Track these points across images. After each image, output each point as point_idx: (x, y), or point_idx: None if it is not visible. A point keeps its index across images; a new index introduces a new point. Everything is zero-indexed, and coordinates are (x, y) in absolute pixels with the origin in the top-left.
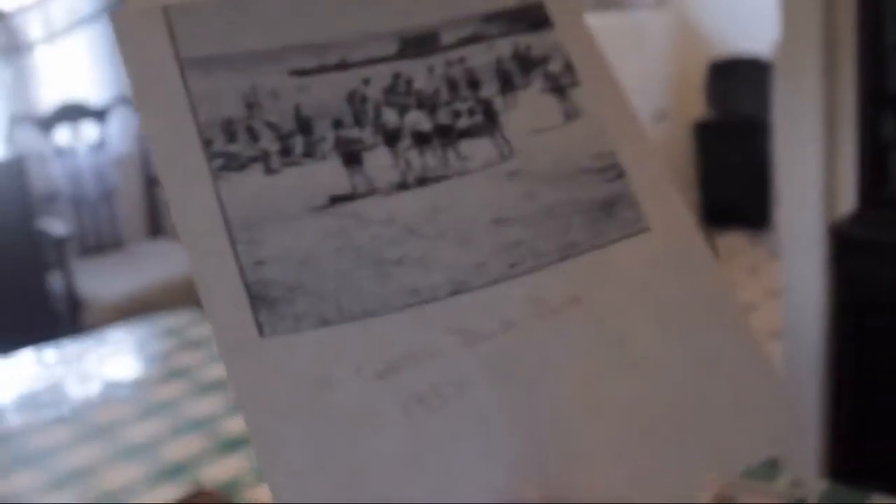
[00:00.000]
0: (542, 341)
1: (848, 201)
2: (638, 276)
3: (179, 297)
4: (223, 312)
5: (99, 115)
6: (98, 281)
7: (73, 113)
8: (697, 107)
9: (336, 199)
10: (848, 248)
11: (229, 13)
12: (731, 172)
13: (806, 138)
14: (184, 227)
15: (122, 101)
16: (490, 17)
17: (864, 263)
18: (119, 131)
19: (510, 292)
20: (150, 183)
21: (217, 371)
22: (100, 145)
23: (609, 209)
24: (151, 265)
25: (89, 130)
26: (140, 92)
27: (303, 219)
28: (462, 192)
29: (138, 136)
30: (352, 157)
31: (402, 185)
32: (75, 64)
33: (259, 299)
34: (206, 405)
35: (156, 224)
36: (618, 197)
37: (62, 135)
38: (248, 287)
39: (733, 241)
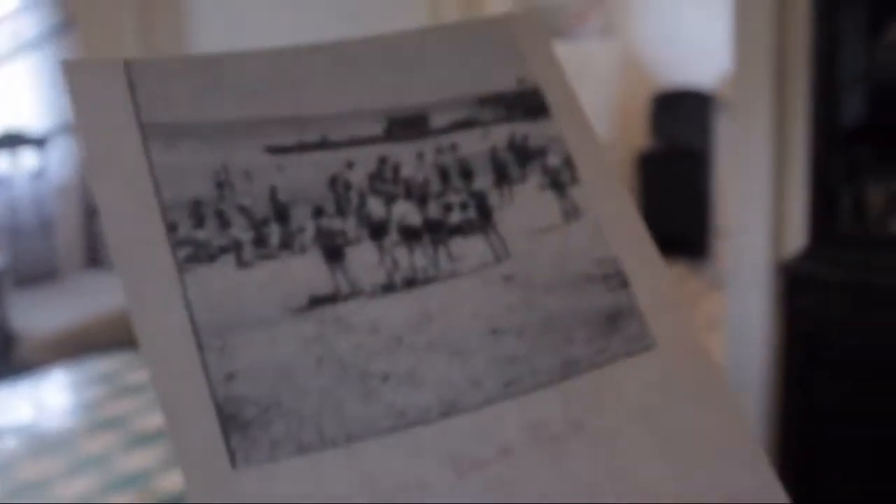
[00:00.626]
0: (542, 473)
1: (796, 237)
2: (644, 400)
3: (117, 332)
4: (190, 437)
5: (39, 143)
6: (33, 314)
7: (11, 141)
8: (640, 137)
9: (316, 301)
10: (798, 285)
11: (199, 76)
12: (672, 202)
13: (755, 173)
14: (143, 328)
15: (63, 129)
16: (484, 101)
17: (813, 301)
18: (59, 160)
19: (506, 415)
20: (90, 213)
21: (153, 421)
22: (39, 174)
23: (612, 322)
24: (89, 298)
25: (28, 159)
26: (95, 160)
27: (279, 323)
28: (454, 298)
29: (79, 165)
30: (334, 251)
31: (389, 287)
32: (15, 91)
33: (231, 420)
34: (140, 459)
35: (94, 255)
36: (622, 309)
37: (0, 163)
38: (218, 406)
39: (673, 270)
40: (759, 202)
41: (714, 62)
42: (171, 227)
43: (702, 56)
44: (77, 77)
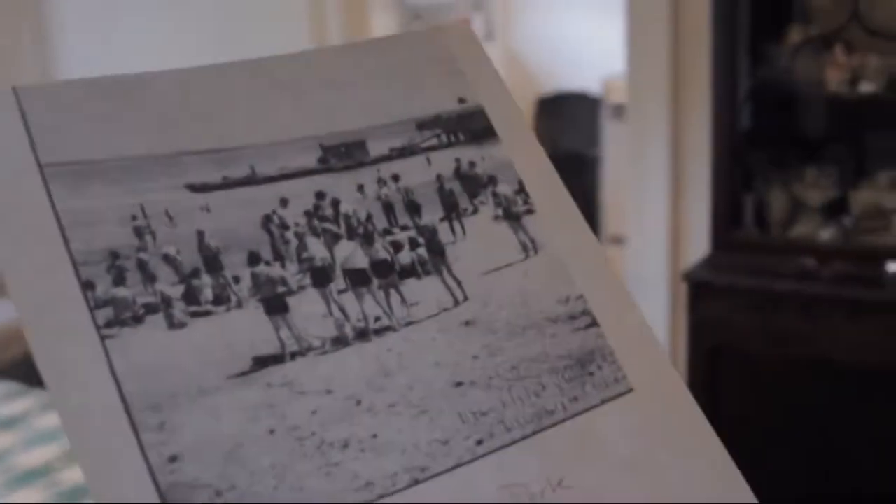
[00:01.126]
0: None
1: (696, 245)
2: (627, 450)
3: None
4: None
5: None
6: None
7: None
8: None
9: (261, 361)
10: (701, 291)
11: (100, 103)
12: None
13: (653, 181)
14: (65, 408)
15: None
16: (424, 124)
17: (717, 307)
18: None
19: (481, 477)
20: None
21: (35, 457)
22: None
23: (584, 367)
24: None
25: None
26: None
27: (222, 391)
28: (412, 349)
29: None
30: (275, 304)
31: (340, 341)
32: None
33: None
34: (21, 497)
35: None
36: (593, 351)
37: None
38: (162, 495)
39: None
40: (658, 210)
41: (599, 66)
42: (88, 286)
43: (586, 60)
44: None
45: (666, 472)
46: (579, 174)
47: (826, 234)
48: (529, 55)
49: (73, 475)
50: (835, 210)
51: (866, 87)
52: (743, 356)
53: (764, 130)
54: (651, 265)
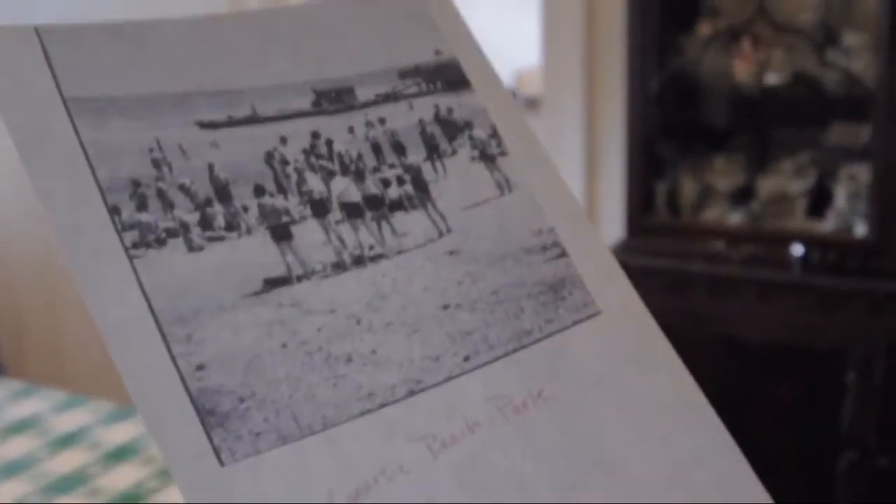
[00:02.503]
0: (512, 448)
1: (611, 231)
2: (597, 367)
3: None
4: (173, 437)
5: None
6: None
7: None
8: None
9: (271, 283)
10: None
11: (117, 45)
12: None
13: (567, 170)
14: (105, 321)
15: None
16: (405, 73)
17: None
18: None
19: (469, 389)
20: None
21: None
22: None
23: (556, 292)
24: None
25: None
26: (23, 139)
27: (239, 309)
28: (404, 275)
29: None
30: (281, 231)
31: (339, 266)
32: None
33: (209, 415)
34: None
35: None
36: (564, 278)
37: None
38: (193, 400)
39: None
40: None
41: (511, 59)
42: (114, 211)
43: (498, 53)
44: None
45: (632, 387)
46: None
47: (735, 219)
48: None
49: (4, 451)
50: (743, 196)
51: (772, 80)
52: None
53: (675, 120)
54: None
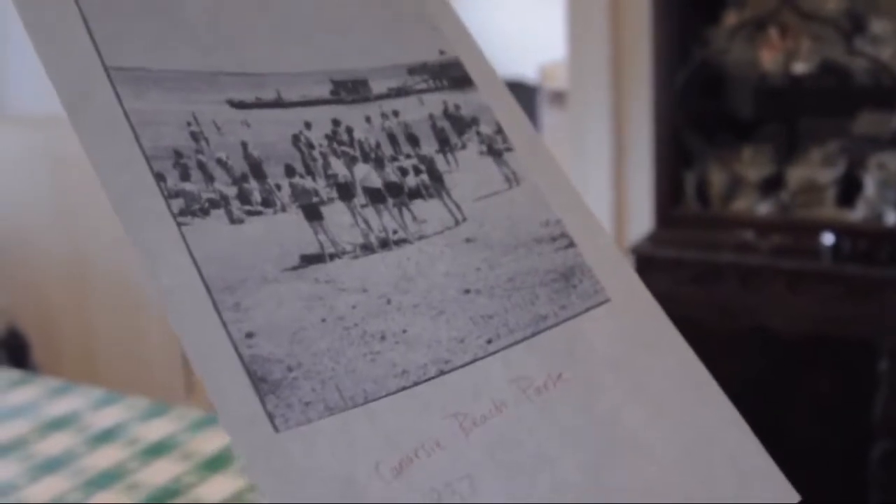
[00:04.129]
0: (537, 426)
1: (640, 223)
2: (610, 350)
3: None
4: (229, 401)
5: None
6: None
7: None
8: None
9: (307, 259)
10: (647, 266)
11: (152, 20)
12: None
13: (595, 163)
14: (161, 283)
15: None
16: (413, 70)
17: (662, 281)
18: None
19: (493, 371)
20: None
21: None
22: None
23: (567, 280)
24: None
25: None
26: (70, 103)
27: (280, 282)
28: (426, 259)
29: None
30: (313, 211)
31: (366, 247)
32: None
33: (261, 381)
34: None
35: None
36: (573, 267)
37: None
38: (246, 367)
39: None
40: (602, 190)
41: (535, 53)
42: (160, 177)
43: (522, 47)
44: (29, 8)
45: (644, 369)
46: None
47: (764, 209)
48: None
49: (45, 447)
50: (772, 186)
51: (799, 69)
52: (688, 326)
53: (702, 111)
54: None
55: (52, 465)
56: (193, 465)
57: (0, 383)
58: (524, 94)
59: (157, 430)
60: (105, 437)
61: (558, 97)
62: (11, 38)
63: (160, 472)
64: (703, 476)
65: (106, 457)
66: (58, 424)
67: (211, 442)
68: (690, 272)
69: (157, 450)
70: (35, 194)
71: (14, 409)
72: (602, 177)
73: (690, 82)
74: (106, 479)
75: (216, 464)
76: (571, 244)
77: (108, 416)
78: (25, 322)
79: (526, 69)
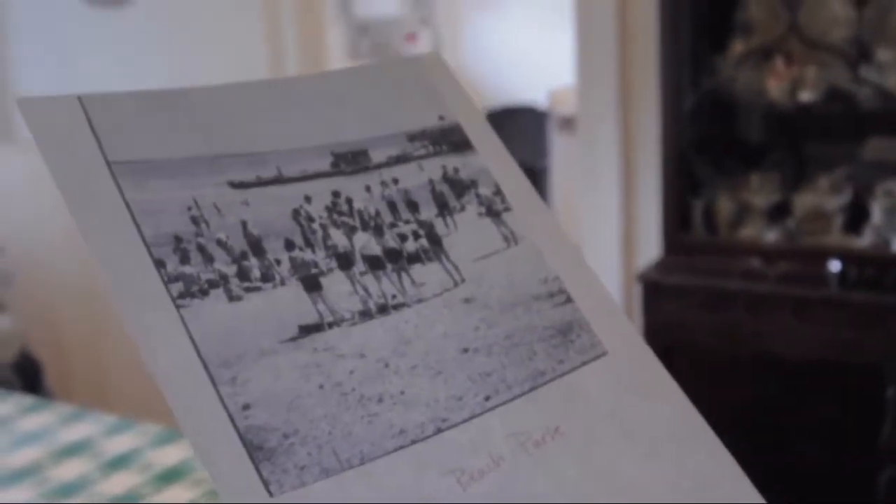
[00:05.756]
0: (535, 480)
1: (647, 250)
2: (607, 402)
3: None
4: (225, 471)
5: None
6: None
7: None
8: None
9: (305, 329)
10: (655, 292)
11: (153, 112)
12: None
13: (604, 189)
14: (157, 365)
15: None
16: (413, 136)
17: (669, 308)
18: None
19: (491, 426)
20: None
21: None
22: None
23: (565, 335)
24: None
25: None
26: (73, 198)
27: (278, 353)
28: (425, 321)
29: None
30: (311, 282)
31: (366, 314)
32: None
33: (256, 450)
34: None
35: None
36: (571, 323)
37: None
38: (242, 437)
39: None
40: (610, 217)
41: (545, 78)
42: (160, 264)
43: (532, 73)
44: (35, 113)
45: (640, 420)
46: None
47: (771, 236)
48: (476, 69)
49: (59, 473)
50: (779, 213)
51: (806, 97)
52: (695, 352)
53: (710, 138)
54: (605, 269)
55: (66, 491)
56: (206, 491)
57: (14, 408)
58: (534, 119)
59: (170, 456)
60: (119, 462)
61: (567, 123)
62: (22, 64)
63: (173, 497)
64: None
65: (120, 483)
66: (72, 450)
67: None
68: (698, 299)
69: (170, 476)
70: (46, 218)
71: (28, 434)
72: (611, 203)
73: (698, 110)
74: None
75: None
76: (569, 300)
77: (122, 443)
78: (38, 346)
79: (536, 94)
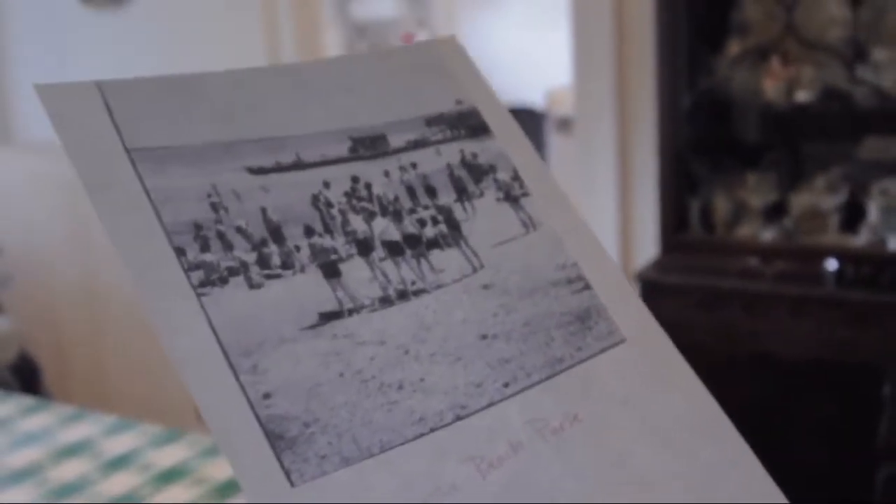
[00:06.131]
0: (552, 466)
1: (645, 249)
2: (624, 390)
3: None
4: (246, 460)
5: None
6: None
7: None
8: None
9: (325, 317)
10: (652, 291)
11: (171, 98)
12: None
13: (601, 189)
14: (177, 353)
15: None
16: (431, 121)
17: (667, 306)
18: None
19: (509, 413)
20: None
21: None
22: None
23: (583, 322)
24: None
25: None
26: (92, 185)
27: (298, 341)
28: (444, 308)
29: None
30: (331, 269)
31: (385, 300)
32: None
33: (278, 439)
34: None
35: None
36: (589, 309)
37: None
38: (263, 426)
39: None
40: (608, 216)
41: (542, 79)
42: (180, 252)
43: (529, 74)
44: (53, 100)
45: (656, 407)
46: None
47: (768, 235)
48: None
49: (59, 473)
50: (775, 212)
51: (802, 97)
52: (692, 351)
53: (707, 138)
54: None
55: (66, 491)
56: (206, 491)
57: (14, 410)
58: (531, 120)
59: (169, 456)
60: (119, 463)
61: (565, 123)
62: (20, 64)
63: (173, 498)
64: None
65: (120, 483)
66: (72, 451)
67: (223, 468)
68: (695, 298)
69: (169, 476)
70: (46, 219)
71: (28, 435)
72: (608, 203)
73: (695, 110)
74: None
75: (228, 490)
76: (587, 286)
77: (122, 443)
78: (37, 347)
79: (533, 95)
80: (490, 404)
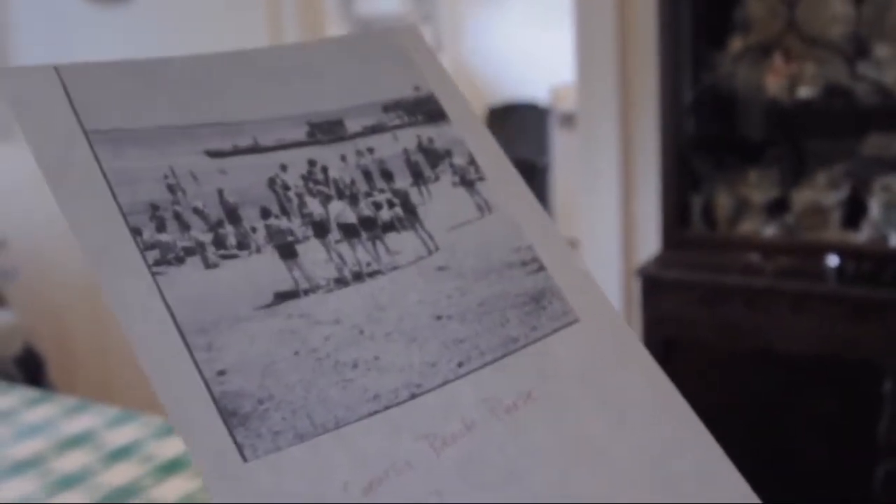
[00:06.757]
0: (504, 443)
1: (647, 245)
2: (578, 368)
3: None
4: (199, 435)
5: None
6: None
7: None
8: None
9: (280, 296)
10: (654, 287)
11: (130, 81)
12: None
13: (604, 185)
14: (132, 331)
15: None
16: (388, 107)
17: (669, 302)
18: None
19: (463, 392)
20: None
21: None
22: None
23: (538, 302)
24: None
25: None
26: (49, 167)
27: (253, 319)
28: (399, 289)
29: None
30: (287, 250)
31: (341, 281)
32: None
33: (231, 416)
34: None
35: None
36: (544, 290)
37: None
38: (216, 402)
39: None
40: (610, 212)
41: (546, 75)
42: (136, 232)
43: (534, 69)
44: (11, 83)
45: (610, 385)
46: (530, 181)
47: (770, 231)
48: (478, 66)
49: (62, 464)
50: (777, 208)
51: (804, 93)
52: (694, 347)
53: (709, 135)
54: (604, 264)
55: (69, 482)
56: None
57: (17, 401)
58: (535, 116)
59: (171, 447)
60: (121, 454)
61: (569, 119)
62: (23, 60)
63: (174, 488)
64: (667, 486)
65: (122, 474)
66: (74, 442)
67: None
68: (697, 293)
69: (171, 467)
70: (49, 213)
71: (31, 426)
72: (611, 199)
73: (697, 106)
74: (122, 495)
75: None
76: (542, 268)
77: (124, 434)
78: (41, 340)
79: (538, 91)
80: (444, 383)
